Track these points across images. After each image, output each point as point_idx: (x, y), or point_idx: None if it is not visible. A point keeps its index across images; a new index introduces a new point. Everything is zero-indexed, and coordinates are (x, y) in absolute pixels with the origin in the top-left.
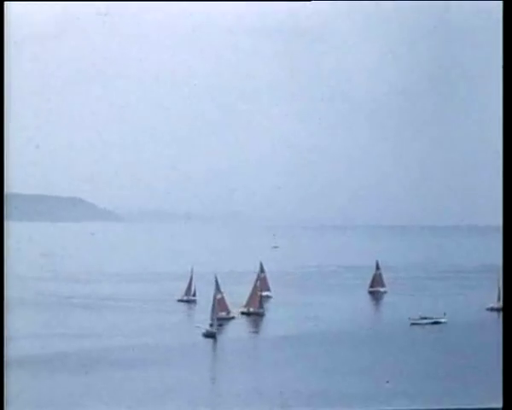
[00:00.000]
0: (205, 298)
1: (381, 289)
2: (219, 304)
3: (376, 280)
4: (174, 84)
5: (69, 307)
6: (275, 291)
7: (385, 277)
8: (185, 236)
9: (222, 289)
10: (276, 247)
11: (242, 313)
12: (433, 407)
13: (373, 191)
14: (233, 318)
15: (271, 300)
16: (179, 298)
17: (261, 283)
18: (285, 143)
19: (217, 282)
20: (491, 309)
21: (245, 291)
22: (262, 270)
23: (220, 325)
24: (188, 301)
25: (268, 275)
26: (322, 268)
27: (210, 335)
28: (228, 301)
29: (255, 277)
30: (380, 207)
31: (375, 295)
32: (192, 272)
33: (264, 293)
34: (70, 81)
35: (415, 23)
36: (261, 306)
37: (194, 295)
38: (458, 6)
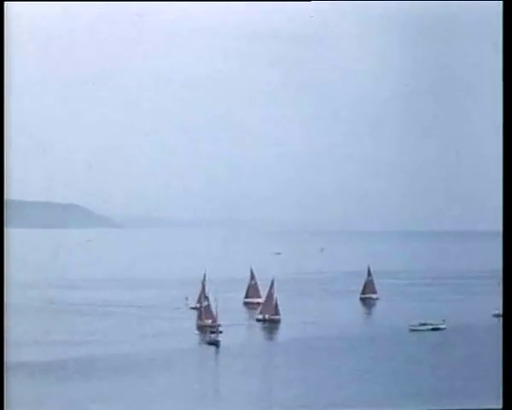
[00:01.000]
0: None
1: (373, 296)
2: (205, 312)
3: (368, 287)
4: (173, 89)
5: (69, 314)
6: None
7: (385, 282)
8: (185, 242)
9: (225, 295)
10: (278, 253)
11: (258, 320)
12: (433, 407)
13: (373, 197)
14: (219, 325)
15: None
16: (192, 305)
17: (252, 289)
18: (285, 148)
19: (203, 289)
20: (498, 315)
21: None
22: (252, 277)
23: (221, 332)
24: (201, 309)
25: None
26: (322, 274)
27: (213, 342)
28: (225, 308)
29: (261, 284)
30: (379, 212)
31: (368, 302)
32: (204, 278)
33: (256, 300)
34: (69, 84)
35: (415, 24)
36: (277, 312)
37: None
38: (458, 6)
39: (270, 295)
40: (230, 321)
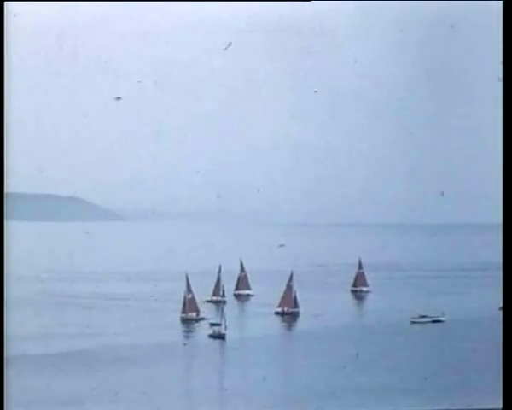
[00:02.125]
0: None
1: (364, 289)
2: (190, 304)
3: (359, 279)
4: (173, 83)
5: (71, 307)
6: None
7: (385, 275)
8: (186, 235)
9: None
10: (282, 245)
11: (277, 314)
12: (433, 407)
13: (373, 189)
14: (202, 319)
15: (252, 298)
16: (208, 299)
17: (242, 281)
18: (285, 141)
19: (188, 281)
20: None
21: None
22: (242, 269)
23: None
24: (217, 302)
25: (274, 273)
26: (326, 267)
27: (218, 336)
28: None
29: (259, 276)
30: (379, 204)
31: (358, 295)
32: (220, 271)
33: (245, 292)
34: (69, 81)
35: (415, 22)
36: (296, 305)
37: (223, 294)
38: (458, 6)
39: (288, 289)
40: (239, 314)
